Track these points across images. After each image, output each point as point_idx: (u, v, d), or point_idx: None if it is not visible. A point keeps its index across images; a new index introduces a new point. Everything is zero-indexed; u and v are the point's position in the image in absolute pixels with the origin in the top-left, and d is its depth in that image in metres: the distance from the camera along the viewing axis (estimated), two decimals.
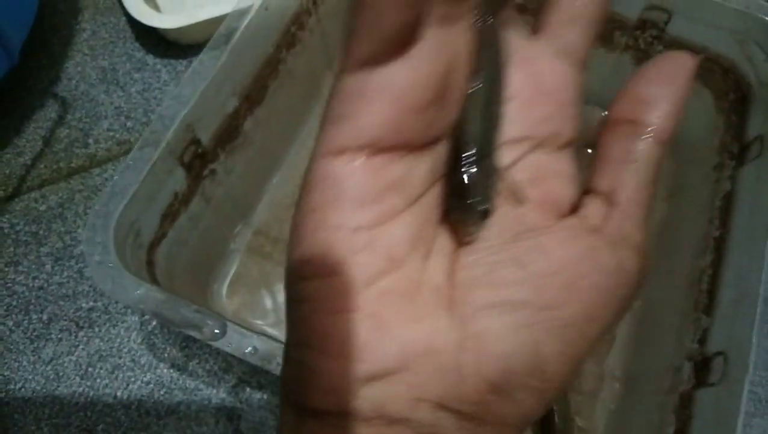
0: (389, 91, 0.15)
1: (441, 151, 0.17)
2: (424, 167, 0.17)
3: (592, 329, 0.17)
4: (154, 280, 0.35)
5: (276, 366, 0.30)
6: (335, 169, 0.16)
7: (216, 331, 0.30)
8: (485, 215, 0.17)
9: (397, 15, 0.14)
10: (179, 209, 0.38)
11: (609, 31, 0.46)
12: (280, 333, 0.42)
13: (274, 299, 0.43)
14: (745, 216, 0.38)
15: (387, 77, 0.15)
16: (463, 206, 0.17)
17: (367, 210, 0.16)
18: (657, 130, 0.19)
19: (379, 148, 0.16)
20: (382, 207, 0.16)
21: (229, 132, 0.40)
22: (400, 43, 0.15)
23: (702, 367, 0.35)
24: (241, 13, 0.39)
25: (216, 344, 0.30)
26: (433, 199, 0.18)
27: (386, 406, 0.16)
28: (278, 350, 0.30)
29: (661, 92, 0.19)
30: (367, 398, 0.16)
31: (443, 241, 0.18)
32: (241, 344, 0.30)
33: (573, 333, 0.17)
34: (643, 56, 0.47)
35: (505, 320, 0.17)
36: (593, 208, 0.19)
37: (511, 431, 0.17)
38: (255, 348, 0.30)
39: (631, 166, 0.19)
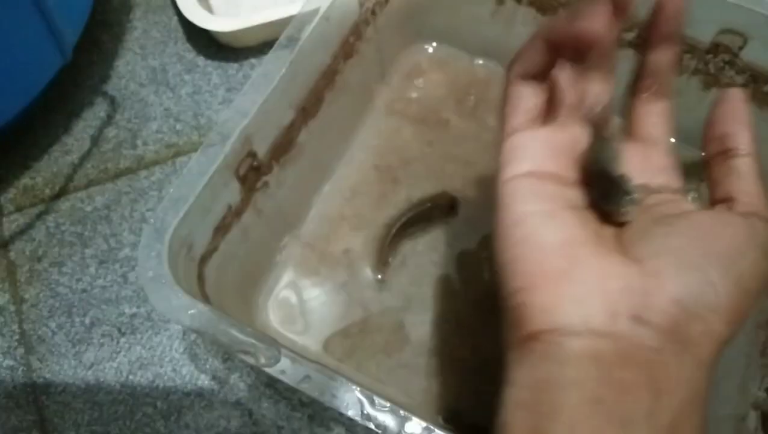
0: (534, 145, 0.28)
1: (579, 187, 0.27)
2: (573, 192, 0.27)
3: (749, 279, 0.22)
4: (204, 294, 0.35)
5: (330, 398, 0.29)
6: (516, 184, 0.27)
7: (269, 356, 0.29)
8: (635, 201, 0.26)
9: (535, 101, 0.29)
10: (232, 222, 0.37)
11: (678, 54, 0.44)
12: (324, 352, 0.41)
13: (320, 313, 0.42)
14: None
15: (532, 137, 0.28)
16: (618, 197, 0.26)
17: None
18: (747, 150, 0.26)
19: (537, 175, 0.27)
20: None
21: (285, 145, 0.39)
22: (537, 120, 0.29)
23: None
24: (302, 22, 0.38)
25: (269, 370, 0.29)
26: (587, 211, 0.26)
27: (590, 320, 0.22)
28: (332, 381, 0.29)
29: (738, 126, 0.27)
30: (574, 314, 0.22)
31: (605, 228, 0.26)
32: (296, 373, 0.29)
33: (735, 274, 0.22)
34: (712, 81, 0.45)
35: (674, 262, 0.23)
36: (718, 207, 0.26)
37: (706, 356, 0.21)
38: (308, 377, 0.29)
39: (739, 175, 0.26)
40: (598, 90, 0.28)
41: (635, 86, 0.30)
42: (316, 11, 0.38)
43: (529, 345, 0.23)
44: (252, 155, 0.36)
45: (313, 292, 0.43)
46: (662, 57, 0.30)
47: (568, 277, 0.23)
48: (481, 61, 0.51)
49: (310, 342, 0.41)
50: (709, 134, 0.27)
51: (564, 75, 0.27)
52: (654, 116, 0.30)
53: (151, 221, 0.32)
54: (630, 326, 0.22)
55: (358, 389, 0.29)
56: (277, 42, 0.37)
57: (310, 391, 0.29)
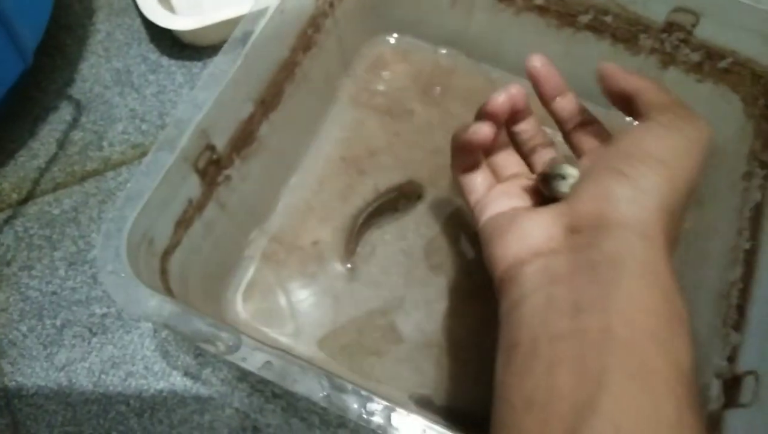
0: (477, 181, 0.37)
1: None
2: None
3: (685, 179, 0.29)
4: (167, 289, 0.35)
5: (291, 382, 0.29)
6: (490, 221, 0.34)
7: (230, 345, 0.30)
8: (566, 178, 0.31)
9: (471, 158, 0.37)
10: (193, 216, 0.37)
11: (633, 34, 0.45)
12: (296, 343, 0.41)
13: (290, 307, 0.43)
14: None
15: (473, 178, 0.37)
16: (555, 183, 0.32)
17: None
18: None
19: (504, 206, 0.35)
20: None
21: (244, 138, 0.39)
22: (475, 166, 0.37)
23: (732, 386, 0.33)
24: (256, 16, 0.38)
25: (230, 358, 0.29)
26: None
27: (533, 247, 0.30)
28: (293, 366, 0.29)
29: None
30: (520, 249, 0.30)
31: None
32: (256, 359, 0.29)
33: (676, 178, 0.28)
34: (669, 60, 0.45)
35: (589, 178, 0.30)
36: None
37: (640, 231, 0.27)
38: (270, 363, 0.29)
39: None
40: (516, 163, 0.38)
41: (564, 129, 0.37)
42: (269, 5, 0.38)
43: (501, 286, 0.30)
44: (210, 148, 0.36)
45: (283, 285, 0.43)
46: (563, 104, 0.36)
47: (512, 228, 0.31)
48: (444, 51, 0.52)
49: (282, 333, 0.42)
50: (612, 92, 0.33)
51: (497, 161, 0.38)
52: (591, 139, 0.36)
53: (109, 216, 0.32)
54: (566, 238, 0.29)
55: (319, 372, 0.29)
56: (231, 36, 0.37)
57: (271, 376, 0.29)
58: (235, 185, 0.40)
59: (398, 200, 0.46)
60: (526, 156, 0.38)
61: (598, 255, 0.27)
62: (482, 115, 0.36)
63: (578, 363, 0.24)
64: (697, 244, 0.44)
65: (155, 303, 0.30)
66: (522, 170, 0.38)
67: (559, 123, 0.37)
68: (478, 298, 0.43)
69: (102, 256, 0.31)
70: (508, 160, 0.38)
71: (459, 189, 0.38)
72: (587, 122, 0.36)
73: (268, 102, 0.40)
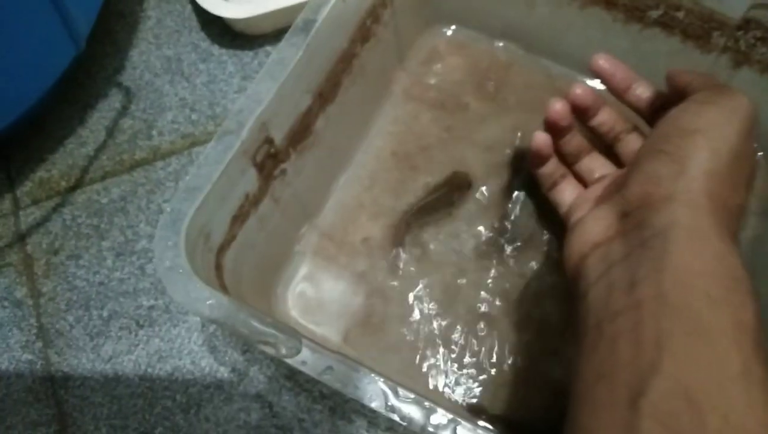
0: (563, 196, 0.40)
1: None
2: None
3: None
4: (222, 285, 0.34)
5: (353, 389, 0.28)
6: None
7: (290, 347, 0.29)
8: None
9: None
10: (249, 210, 0.36)
11: (706, 31, 0.43)
12: (345, 341, 0.40)
13: (340, 304, 0.42)
14: None
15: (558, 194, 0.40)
16: None
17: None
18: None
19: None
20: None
21: (302, 131, 0.38)
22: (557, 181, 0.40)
23: None
24: (318, 5, 0.37)
25: (290, 361, 0.28)
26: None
27: (593, 239, 0.31)
28: (355, 372, 0.28)
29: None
30: (583, 243, 0.32)
31: None
32: (318, 364, 0.28)
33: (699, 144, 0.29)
34: (743, 59, 0.43)
35: (635, 162, 0.31)
36: None
37: (694, 204, 0.27)
38: (331, 368, 0.28)
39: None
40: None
41: (646, 118, 0.38)
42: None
43: (571, 285, 0.32)
44: (269, 141, 0.35)
45: (332, 282, 0.42)
46: (638, 93, 0.38)
47: (576, 228, 0.33)
48: (501, 44, 0.50)
49: (330, 332, 0.41)
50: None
51: (582, 168, 0.40)
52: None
53: (168, 210, 0.31)
54: (620, 224, 0.30)
55: (382, 380, 0.28)
56: (293, 26, 0.36)
57: (332, 382, 0.28)
58: (290, 179, 0.39)
59: (452, 193, 0.44)
60: (611, 147, 0.38)
61: (648, 231, 0.28)
62: (544, 124, 0.37)
63: (636, 332, 0.25)
64: (764, 254, 0.42)
65: (215, 302, 0.29)
66: (608, 171, 0.38)
67: (640, 112, 0.37)
68: (532, 303, 0.41)
69: (160, 251, 0.31)
70: (592, 164, 0.38)
71: (555, 205, 0.40)
72: (668, 105, 0.34)
73: (325, 95, 0.39)
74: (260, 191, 0.36)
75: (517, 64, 0.49)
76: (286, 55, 0.35)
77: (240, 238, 0.36)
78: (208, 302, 0.30)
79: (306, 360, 0.29)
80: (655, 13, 0.43)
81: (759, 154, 0.46)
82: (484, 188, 0.45)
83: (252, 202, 0.36)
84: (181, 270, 0.30)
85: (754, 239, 0.43)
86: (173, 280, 0.30)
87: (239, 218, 0.35)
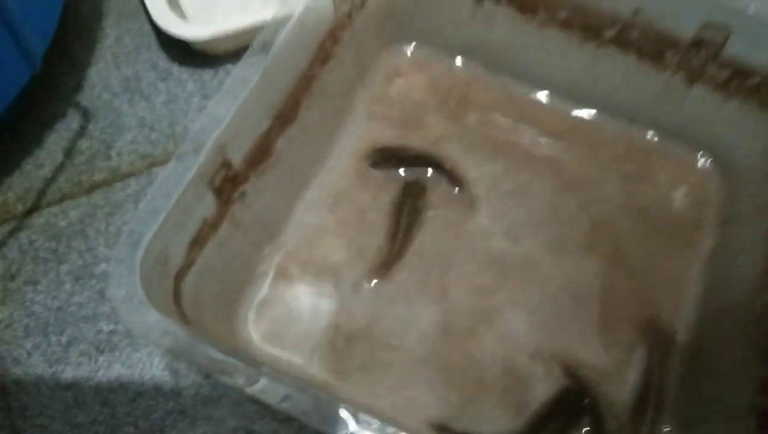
0: None
1: None
2: None
3: None
4: (180, 312, 0.33)
5: (315, 418, 0.28)
6: None
7: (249, 378, 0.28)
8: None
9: None
10: (208, 235, 0.36)
11: (659, 51, 0.44)
12: (309, 363, 0.40)
13: (303, 326, 0.41)
14: None
15: None
16: None
17: None
18: None
19: None
20: None
21: (261, 153, 0.38)
22: None
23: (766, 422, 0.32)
24: (276, 27, 0.37)
25: (249, 391, 0.28)
26: None
27: None
28: (315, 401, 0.28)
29: None
30: None
31: None
32: (276, 392, 0.28)
33: None
34: (696, 77, 0.44)
35: None
36: None
37: None
38: (290, 396, 0.28)
39: None
40: None
41: None
42: (289, 15, 0.37)
43: None
44: (227, 165, 0.35)
45: (296, 303, 0.42)
46: None
47: None
48: (461, 62, 0.50)
49: (295, 355, 0.40)
50: None
51: None
52: None
53: (123, 236, 0.31)
54: None
55: (343, 406, 0.28)
56: (250, 47, 0.36)
57: (292, 410, 0.28)
58: (250, 201, 0.39)
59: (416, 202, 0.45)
60: None
61: None
62: None
63: None
64: (723, 266, 0.43)
65: (171, 332, 0.29)
66: None
67: None
68: (497, 316, 0.42)
69: (115, 280, 0.30)
70: None
71: None
72: None
73: (285, 116, 0.39)
74: (219, 215, 0.36)
75: (477, 82, 0.50)
76: (244, 76, 0.35)
77: (199, 263, 0.36)
78: (164, 332, 0.29)
79: (264, 388, 0.28)
80: (610, 33, 0.44)
81: (709, 161, 0.47)
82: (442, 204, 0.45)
83: (211, 226, 0.36)
84: (136, 300, 0.30)
85: (712, 250, 0.44)
86: (128, 310, 0.29)
87: (198, 242, 0.35)
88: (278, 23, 0.37)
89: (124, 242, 0.31)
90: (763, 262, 0.39)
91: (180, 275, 0.34)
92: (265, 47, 0.36)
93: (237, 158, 0.36)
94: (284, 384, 0.28)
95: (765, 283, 0.38)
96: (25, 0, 0.42)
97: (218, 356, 0.29)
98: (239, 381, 0.28)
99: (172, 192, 0.32)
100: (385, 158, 0.47)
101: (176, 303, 0.33)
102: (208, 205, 0.35)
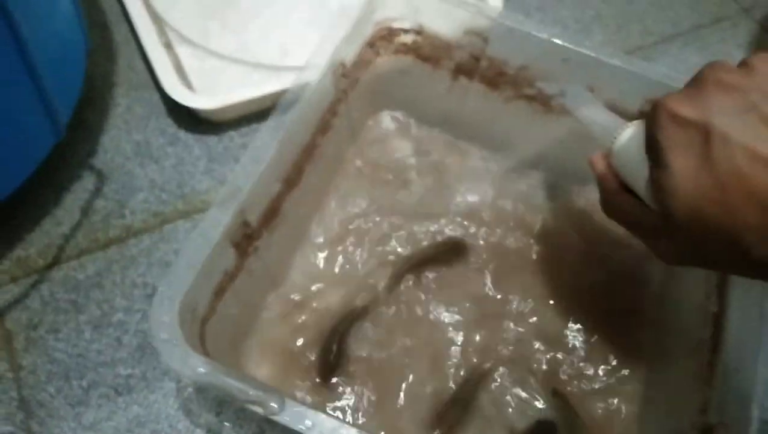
0: None
1: None
2: None
3: None
4: (205, 352, 0.38)
5: None
6: None
7: (274, 406, 0.33)
8: None
9: None
10: (227, 285, 0.41)
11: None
12: (311, 397, 0.45)
13: (308, 363, 0.46)
14: (738, 295, 0.42)
15: None
16: None
17: None
18: None
19: None
20: None
21: (272, 212, 0.44)
22: None
23: None
24: (287, 106, 0.43)
25: (276, 418, 0.33)
26: None
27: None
28: (335, 425, 0.33)
29: None
30: None
31: None
32: (299, 419, 0.33)
33: None
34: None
35: None
36: None
37: None
38: (313, 424, 0.33)
39: None
40: None
41: None
42: (298, 95, 0.43)
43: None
44: (246, 224, 0.41)
45: (297, 343, 0.47)
46: None
47: None
48: (438, 130, 0.57)
49: (302, 389, 0.45)
50: None
51: None
52: None
53: (160, 289, 0.36)
54: None
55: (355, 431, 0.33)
56: (266, 124, 0.42)
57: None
58: (261, 254, 0.44)
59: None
60: None
61: None
62: None
63: None
64: (671, 302, 0.50)
65: (208, 369, 0.34)
66: None
67: None
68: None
69: (155, 325, 0.35)
70: None
71: None
72: None
73: (291, 180, 0.45)
74: (237, 267, 0.41)
75: (453, 148, 0.56)
76: (260, 150, 0.41)
77: (219, 310, 0.41)
78: (200, 370, 0.34)
79: (288, 416, 0.33)
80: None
81: None
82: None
83: (230, 277, 0.41)
84: (175, 342, 0.35)
85: (661, 293, 0.51)
86: (169, 351, 0.34)
87: (220, 292, 0.40)
88: (289, 103, 0.43)
89: (163, 294, 0.36)
90: (702, 302, 0.46)
91: (205, 321, 0.39)
92: (279, 125, 0.42)
93: (254, 217, 0.41)
94: (307, 412, 0.33)
95: (702, 320, 0.44)
96: (54, 72, 0.48)
97: (249, 389, 0.33)
98: (268, 409, 0.33)
99: (203, 250, 0.37)
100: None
101: (202, 345, 0.38)
102: (229, 259, 0.40)
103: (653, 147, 0.33)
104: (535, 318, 0.49)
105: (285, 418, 0.33)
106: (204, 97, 0.54)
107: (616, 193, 0.38)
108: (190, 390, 0.46)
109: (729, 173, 0.29)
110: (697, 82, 0.32)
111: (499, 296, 0.50)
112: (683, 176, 0.31)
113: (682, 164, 0.31)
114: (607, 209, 0.39)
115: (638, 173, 0.35)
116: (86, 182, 0.54)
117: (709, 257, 0.32)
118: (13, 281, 0.50)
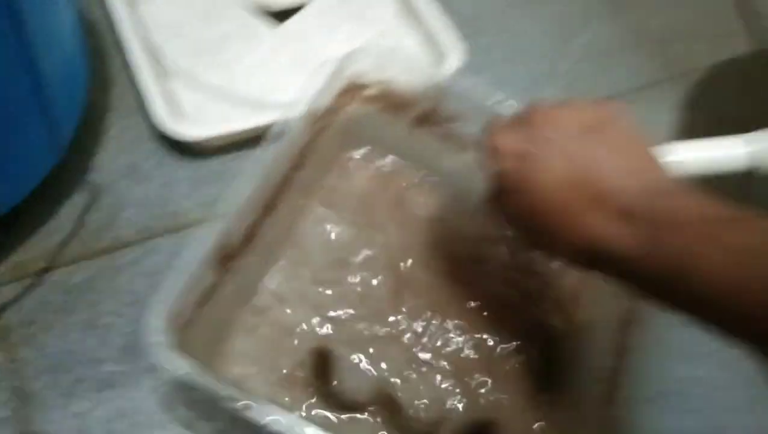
0: None
1: None
2: None
3: None
4: (187, 355, 0.45)
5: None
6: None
7: (246, 403, 0.40)
8: None
9: None
10: (208, 297, 0.48)
11: None
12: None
13: (278, 370, 0.52)
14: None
15: None
16: None
17: None
18: None
19: None
20: None
21: (250, 236, 0.51)
22: None
23: None
24: (268, 145, 0.50)
25: (243, 414, 0.40)
26: None
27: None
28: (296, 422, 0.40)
29: None
30: None
31: None
32: (262, 415, 0.40)
33: None
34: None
35: None
36: None
37: None
38: (275, 420, 0.40)
39: None
40: None
41: None
42: (280, 133, 0.50)
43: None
44: (227, 246, 0.48)
45: (266, 354, 0.53)
46: None
47: None
48: (405, 162, 0.64)
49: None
50: None
51: None
52: None
53: (153, 298, 0.43)
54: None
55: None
56: (253, 157, 0.49)
57: (274, 426, 0.40)
58: (237, 270, 0.51)
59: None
60: None
61: None
62: None
63: None
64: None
65: (188, 369, 0.41)
66: None
67: None
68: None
69: (146, 329, 0.42)
70: None
71: None
72: None
73: (268, 207, 0.52)
74: (216, 283, 0.48)
75: (417, 181, 0.64)
76: (245, 181, 0.48)
77: (200, 317, 0.47)
78: (182, 369, 0.41)
79: (255, 411, 0.40)
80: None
81: None
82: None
83: (210, 290, 0.48)
84: (162, 344, 0.41)
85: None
86: (159, 353, 0.41)
87: (201, 303, 0.47)
88: (272, 144, 0.50)
89: (155, 303, 0.42)
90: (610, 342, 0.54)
91: (186, 328, 0.46)
92: (262, 157, 0.49)
93: (236, 240, 0.48)
94: (271, 407, 0.40)
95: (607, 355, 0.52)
96: (60, 98, 0.54)
97: (228, 388, 0.40)
98: (240, 406, 0.40)
99: (190, 267, 0.44)
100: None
101: (184, 348, 0.45)
102: (211, 275, 0.47)
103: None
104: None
105: (251, 414, 0.40)
106: (190, 128, 0.61)
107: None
108: (168, 386, 0.52)
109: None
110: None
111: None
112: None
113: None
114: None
115: None
116: (80, 198, 0.60)
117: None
118: (10, 282, 0.55)
